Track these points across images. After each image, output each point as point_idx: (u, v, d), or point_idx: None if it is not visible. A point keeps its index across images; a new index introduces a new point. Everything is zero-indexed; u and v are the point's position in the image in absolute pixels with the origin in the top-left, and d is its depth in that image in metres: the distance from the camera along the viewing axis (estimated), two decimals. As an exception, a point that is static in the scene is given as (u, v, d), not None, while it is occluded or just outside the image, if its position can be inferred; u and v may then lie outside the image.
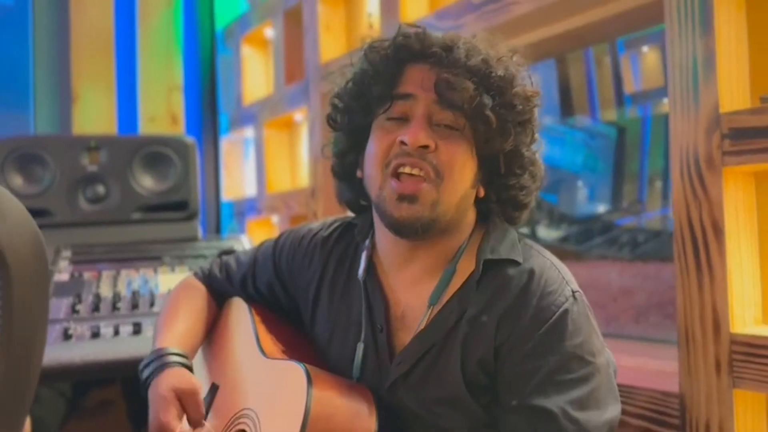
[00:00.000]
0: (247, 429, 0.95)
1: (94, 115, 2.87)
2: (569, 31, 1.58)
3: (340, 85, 1.02)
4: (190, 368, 1.04)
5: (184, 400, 0.97)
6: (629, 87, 2.56)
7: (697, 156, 1.22)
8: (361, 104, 0.98)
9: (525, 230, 2.35)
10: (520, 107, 0.93)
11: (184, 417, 0.98)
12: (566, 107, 2.72)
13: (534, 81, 0.98)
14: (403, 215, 0.90)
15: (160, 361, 1.02)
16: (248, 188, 3.11)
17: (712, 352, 1.19)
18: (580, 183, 2.77)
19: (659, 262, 2.04)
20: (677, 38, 1.26)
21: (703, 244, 1.21)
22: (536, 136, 0.99)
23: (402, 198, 0.90)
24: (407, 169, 0.90)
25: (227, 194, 3.19)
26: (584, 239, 2.53)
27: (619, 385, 1.39)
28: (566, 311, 0.88)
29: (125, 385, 1.92)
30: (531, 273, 0.92)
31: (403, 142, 0.90)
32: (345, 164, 1.03)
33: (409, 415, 0.93)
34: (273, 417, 0.91)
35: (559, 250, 2.23)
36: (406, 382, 0.93)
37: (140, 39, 2.99)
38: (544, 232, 2.71)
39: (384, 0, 2.06)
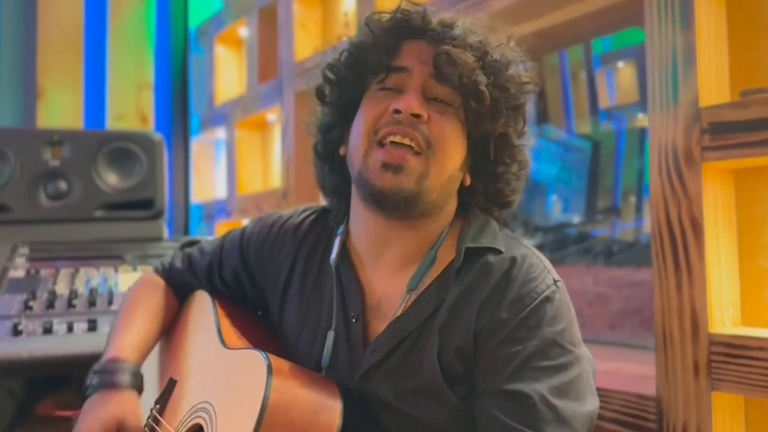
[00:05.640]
0: (202, 423, 0.88)
1: (60, 111, 2.79)
2: (546, 28, 1.56)
3: (333, 57, 0.98)
4: (140, 389, 0.99)
5: None
6: (604, 102, 2.57)
7: (676, 151, 1.20)
8: (355, 73, 0.94)
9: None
10: (513, 91, 0.91)
11: None
12: (541, 119, 2.73)
13: (529, 68, 0.95)
14: (386, 185, 0.85)
15: (110, 377, 0.96)
16: (218, 190, 3.06)
17: (690, 354, 1.16)
18: (554, 195, 2.77)
19: (633, 268, 2.02)
20: (657, 33, 1.23)
21: (682, 242, 1.19)
22: (526, 128, 0.96)
23: (387, 167, 0.85)
24: (397, 138, 0.86)
25: (197, 196, 3.13)
26: (558, 248, 2.52)
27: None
28: (548, 297, 0.85)
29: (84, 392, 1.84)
30: (513, 260, 0.88)
31: (396, 110, 0.86)
32: (328, 141, 0.99)
33: (381, 407, 0.88)
34: (230, 408, 0.85)
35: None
36: (381, 371, 0.88)
37: (111, 34, 2.93)
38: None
39: (360, -3, 2.03)
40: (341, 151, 0.96)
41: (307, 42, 2.33)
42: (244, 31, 2.79)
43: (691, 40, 1.18)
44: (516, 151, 0.94)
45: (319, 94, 0.98)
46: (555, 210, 2.67)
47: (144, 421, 0.97)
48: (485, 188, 0.94)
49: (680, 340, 1.18)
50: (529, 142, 0.97)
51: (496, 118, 0.89)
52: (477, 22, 0.93)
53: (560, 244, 2.48)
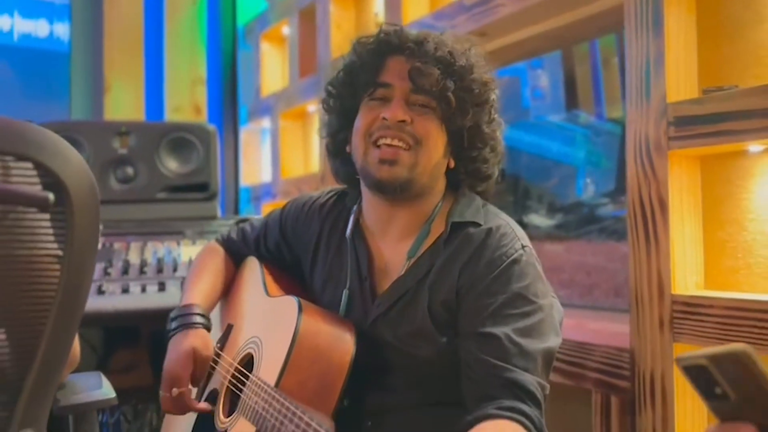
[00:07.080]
0: (252, 352, 1.16)
1: (124, 105, 3.11)
2: (548, 31, 1.76)
3: (332, 74, 1.22)
4: (209, 328, 1.25)
5: (197, 361, 1.19)
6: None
7: (647, 141, 1.40)
8: (349, 90, 1.18)
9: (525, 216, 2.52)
10: (477, 90, 1.14)
11: None
12: (571, 103, 2.86)
13: (491, 70, 1.19)
14: (384, 176, 1.09)
15: (186, 318, 1.23)
16: (264, 174, 3.30)
17: (657, 312, 1.37)
18: (583, 178, 2.89)
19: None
20: (633, 38, 1.44)
21: (651, 219, 1.39)
22: (495, 116, 1.19)
23: (383, 161, 1.09)
24: (387, 141, 1.10)
25: (245, 180, 3.40)
26: (576, 227, 2.67)
27: (580, 344, 1.58)
28: (515, 260, 1.08)
29: (152, 350, 2.13)
30: (489, 231, 1.11)
31: (384, 118, 1.10)
32: (337, 142, 1.23)
33: (387, 346, 1.13)
34: (272, 338, 1.12)
35: (554, 235, 2.40)
36: (385, 319, 1.12)
37: (167, 34, 3.22)
38: (541, 220, 2.86)
39: (388, 1, 2.26)
40: (347, 149, 1.19)
41: (342, 41, 2.55)
42: (286, 30, 2.99)
43: (661, 45, 1.38)
44: (486, 136, 1.16)
45: (324, 105, 1.23)
46: (587, 192, 2.83)
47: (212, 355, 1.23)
48: (465, 168, 1.17)
49: (648, 300, 1.39)
50: (500, 127, 1.19)
51: (465, 114, 1.12)
52: (446, 36, 1.16)
53: (580, 224, 2.64)
